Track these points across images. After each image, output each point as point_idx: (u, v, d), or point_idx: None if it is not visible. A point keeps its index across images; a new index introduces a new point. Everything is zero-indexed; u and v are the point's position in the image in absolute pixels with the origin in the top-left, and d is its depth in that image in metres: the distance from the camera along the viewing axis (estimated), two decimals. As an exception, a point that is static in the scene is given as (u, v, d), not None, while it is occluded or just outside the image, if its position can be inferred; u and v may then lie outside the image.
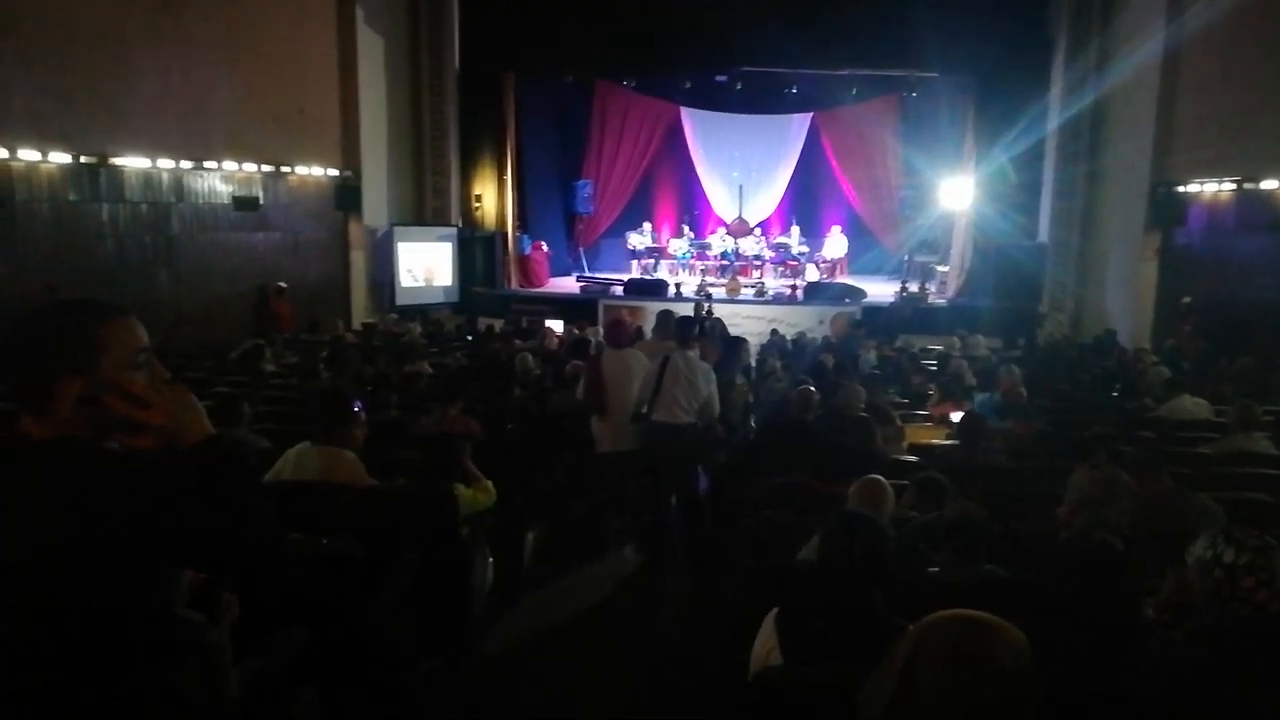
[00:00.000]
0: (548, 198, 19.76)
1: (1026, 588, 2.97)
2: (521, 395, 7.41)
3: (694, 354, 6.02)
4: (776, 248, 19.01)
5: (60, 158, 10.64)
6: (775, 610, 2.28)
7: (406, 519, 3.68)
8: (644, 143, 20.04)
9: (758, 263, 18.79)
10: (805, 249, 18.94)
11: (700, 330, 9.37)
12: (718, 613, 4.57)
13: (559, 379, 8.52)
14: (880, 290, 17.42)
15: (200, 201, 12.91)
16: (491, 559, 4.33)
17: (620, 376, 6.02)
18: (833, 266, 18.79)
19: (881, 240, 19.83)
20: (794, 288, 16.98)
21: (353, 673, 2.91)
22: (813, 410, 5.29)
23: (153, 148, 11.89)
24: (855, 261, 19.58)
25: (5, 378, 1.57)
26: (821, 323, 15.56)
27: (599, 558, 5.94)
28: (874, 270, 19.33)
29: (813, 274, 18.43)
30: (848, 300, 16.15)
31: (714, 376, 6.02)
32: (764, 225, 20.07)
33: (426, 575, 3.53)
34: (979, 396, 7.64)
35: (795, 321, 15.39)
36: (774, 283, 17.92)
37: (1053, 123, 15.51)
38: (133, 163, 11.65)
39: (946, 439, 6.05)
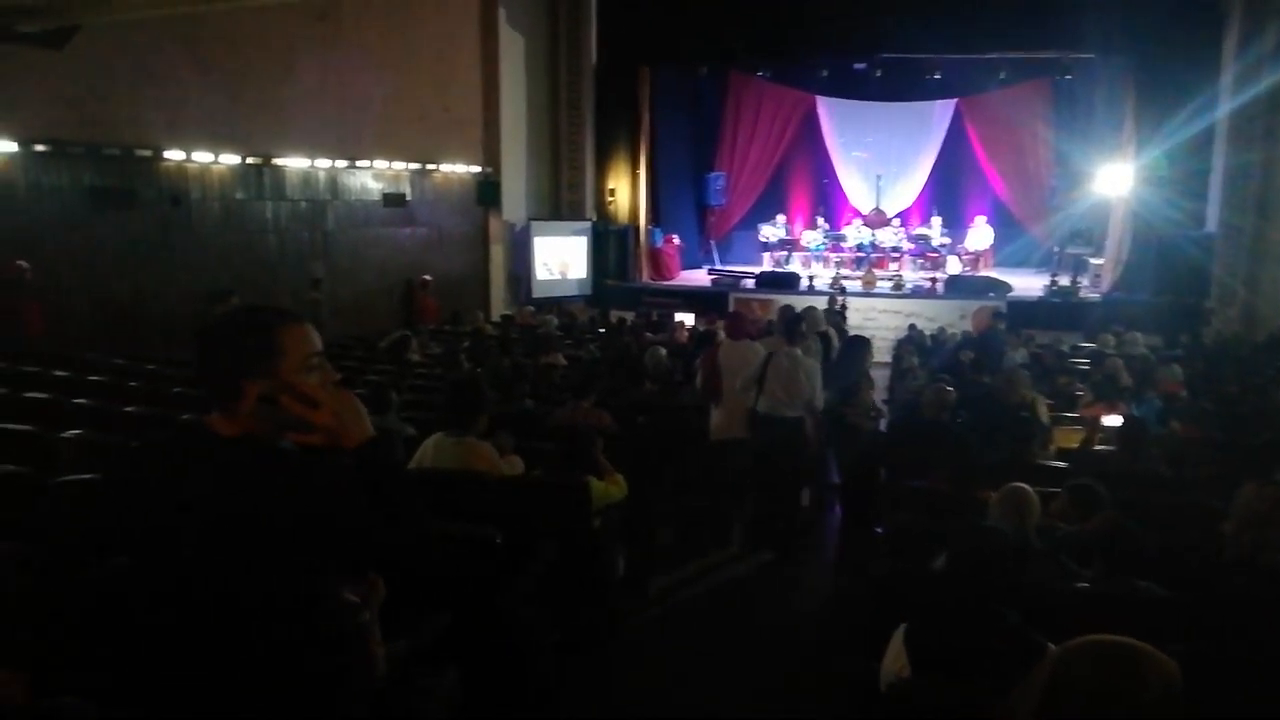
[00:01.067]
0: (680, 191, 19.83)
1: (1185, 609, 2.78)
2: (651, 389, 7.49)
3: (799, 351, 6.18)
4: (916, 239, 18.43)
5: (230, 159, 11.46)
6: (904, 625, 2.23)
7: (541, 509, 3.80)
8: (778, 133, 19.81)
9: (895, 255, 18.26)
10: (947, 240, 18.28)
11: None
12: (848, 615, 4.50)
13: (688, 373, 8.55)
14: (1027, 283, 16.64)
15: (353, 199, 13.63)
16: (623, 551, 4.41)
17: (736, 367, 6.21)
18: (976, 259, 18.06)
19: (1029, 231, 18.94)
20: (934, 280, 16.42)
21: (492, 656, 3.04)
22: (948, 409, 5.11)
23: (311, 148, 12.64)
24: (1000, 253, 18.76)
25: (197, 377, 1.74)
26: (963, 317, 14.95)
27: (725, 550, 5.96)
28: (1019, 263, 18.49)
29: (954, 266, 17.77)
30: (991, 294, 15.45)
31: (818, 373, 6.13)
32: (903, 216, 19.50)
33: (561, 565, 3.64)
34: (1138, 400, 7.19)
35: (934, 316, 14.90)
36: (912, 275, 17.38)
37: (1225, 105, 14.33)
38: (293, 162, 12.42)
39: (1099, 444, 5.73)
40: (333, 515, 1.62)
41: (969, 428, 5.21)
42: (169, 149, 10.71)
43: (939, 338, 12.14)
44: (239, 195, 11.80)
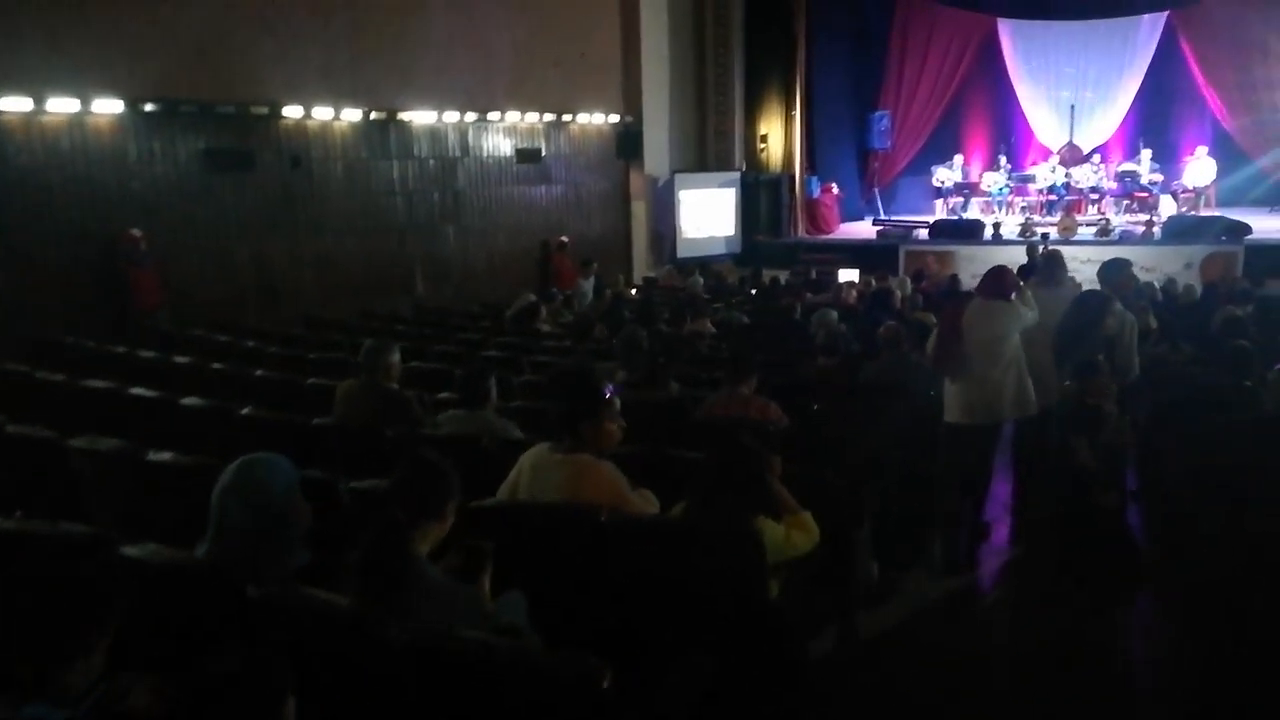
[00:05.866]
0: (839, 134, 17.96)
1: None
2: (826, 363, 6.01)
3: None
4: (1120, 177, 15.85)
5: (351, 114, 10.64)
6: None
7: (688, 573, 2.48)
8: (952, 64, 17.59)
9: (1095, 195, 15.79)
10: (1158, 177, 15.62)
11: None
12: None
13: (867, 343, 7.01)
14: (1265, 225, 13.93)
15: (485, 155, 12.66)
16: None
17: (983, 332, 4.88)
18: (1196, 197, 15.34)
19: (1257, 162, 16.03)
20: (1148, 224, 13.93)
21: None
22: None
23: (439, 101, 11.70)
24: (1222, 189, 15.92)
25: None
26: (1188, 267, 12.63)
27: (952, 577, 4.49)
28: (1238, 201, 15.66)
29: (1169, 207, 15.15)
30: (1224, 238, 12.96)
31: None
32: (1102, 151, 16.88)
33: (725, 669, 2.32)
34: None
35: (1152, 266, 12.56)
36: (1119, 219, 14.91)
37: None
38: (420, 117, 11.51)
39: None
40: None
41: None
42: (287, 105, 9.96)
43: (1170, 292, 9.97)
44: (363, 154, 11.00)
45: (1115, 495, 4.69)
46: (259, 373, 5.46)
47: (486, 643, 1.74)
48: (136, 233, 8.45)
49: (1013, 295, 4.99)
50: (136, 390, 4.67)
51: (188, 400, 4.44)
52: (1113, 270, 5.52)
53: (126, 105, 8.60)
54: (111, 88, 8.48)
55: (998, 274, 5.19)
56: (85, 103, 8.31)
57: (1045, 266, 5.79)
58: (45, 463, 3.48)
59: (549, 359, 6.61)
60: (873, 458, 4.32)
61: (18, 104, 7.87)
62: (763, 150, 16.74)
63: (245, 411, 4.23)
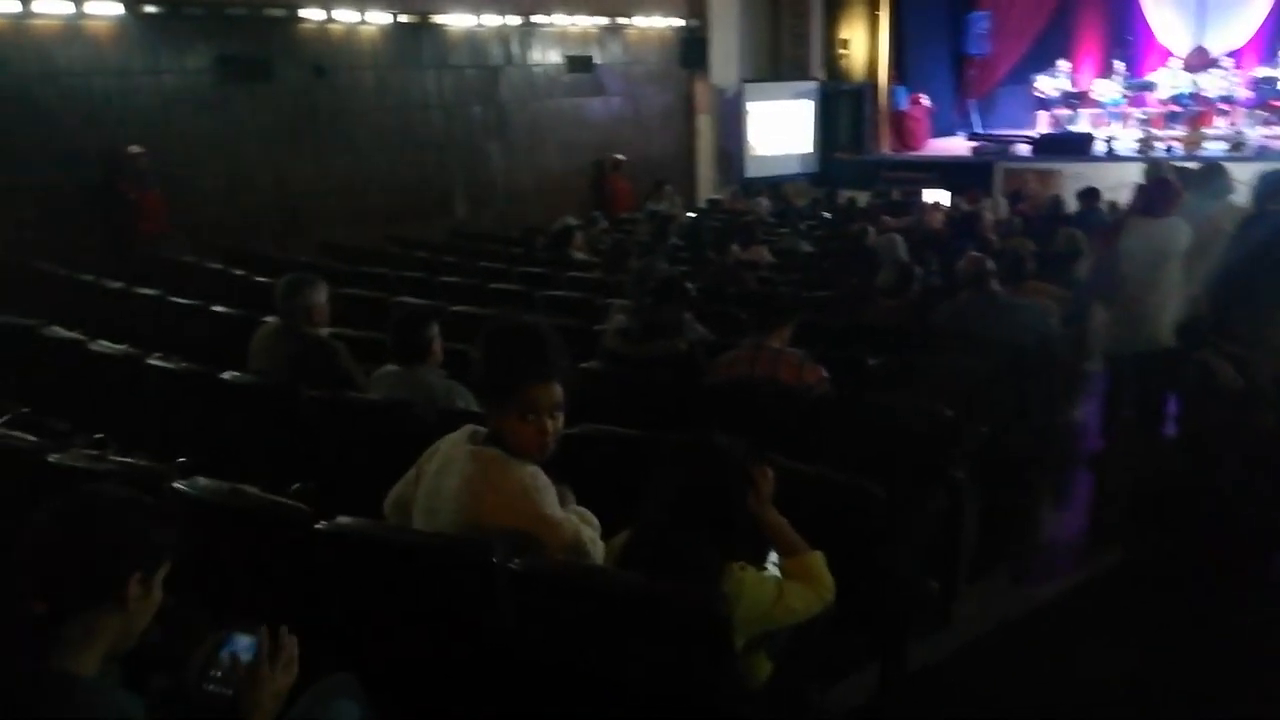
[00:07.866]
0: (931, 39, 16.21)
1: None
2: (889, 305, 4.95)
3: None
4: (1256, 84, 13.84)
5: (379, 17, 9.68)
6: None
7: (617, 653, 1.58)
8: (1064, -46, 15.56)
9: (1226, 105, 13.84)
10: (1303, 84, 13.59)
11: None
12: None
13: (948, 276, 5.90)
14: None
15: (531, 64, 11.60)
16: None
17: (1145, 253, 4.34)
18: (1347, 106, 13.32)
19: None
20: (1291, 137, 12.13)
21: None
22: None
23: (478, 2, 10.64)
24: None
25: None
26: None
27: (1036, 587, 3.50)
28: None
29: (1313, 118, 13.20)
30: (1383, 153, 11.12)
31: None
32: (1235, 55, 14.78)
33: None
34: None
35: (1294, 186, 10.84)
36: (1254, 132, 13.05)
37: None
38: (457, 21, 10.48)
39: None
40: None
41: None
42: (306, 7, 9.07)
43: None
44: (394, 63, 10.07)
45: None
46: (217, 309, 4.69)
47: None
48: (135, 149, 7.76)
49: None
50: (51, 330, 3.94)
51: (97, 345, 3.69)
52: (1273, 183, 4.36)
53: (125, 7, 7.83)
54: (107, -13, 7.71)
55: (1162, 187, 4.55)
56: (79, 4, 7.57)
57: (1204, 177, 4.89)
58: None
59: (566, 293, 5.69)
60: (941, 433, 3.31)
61: (1, 5, 7.16)
62: (844, 57, 15.25)
63: (152, 361, 3.45)
